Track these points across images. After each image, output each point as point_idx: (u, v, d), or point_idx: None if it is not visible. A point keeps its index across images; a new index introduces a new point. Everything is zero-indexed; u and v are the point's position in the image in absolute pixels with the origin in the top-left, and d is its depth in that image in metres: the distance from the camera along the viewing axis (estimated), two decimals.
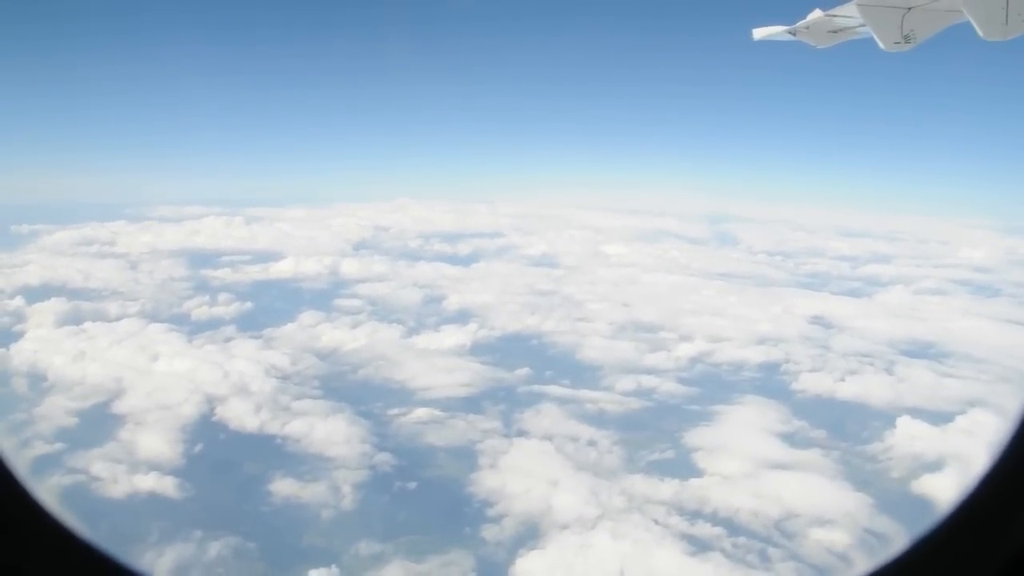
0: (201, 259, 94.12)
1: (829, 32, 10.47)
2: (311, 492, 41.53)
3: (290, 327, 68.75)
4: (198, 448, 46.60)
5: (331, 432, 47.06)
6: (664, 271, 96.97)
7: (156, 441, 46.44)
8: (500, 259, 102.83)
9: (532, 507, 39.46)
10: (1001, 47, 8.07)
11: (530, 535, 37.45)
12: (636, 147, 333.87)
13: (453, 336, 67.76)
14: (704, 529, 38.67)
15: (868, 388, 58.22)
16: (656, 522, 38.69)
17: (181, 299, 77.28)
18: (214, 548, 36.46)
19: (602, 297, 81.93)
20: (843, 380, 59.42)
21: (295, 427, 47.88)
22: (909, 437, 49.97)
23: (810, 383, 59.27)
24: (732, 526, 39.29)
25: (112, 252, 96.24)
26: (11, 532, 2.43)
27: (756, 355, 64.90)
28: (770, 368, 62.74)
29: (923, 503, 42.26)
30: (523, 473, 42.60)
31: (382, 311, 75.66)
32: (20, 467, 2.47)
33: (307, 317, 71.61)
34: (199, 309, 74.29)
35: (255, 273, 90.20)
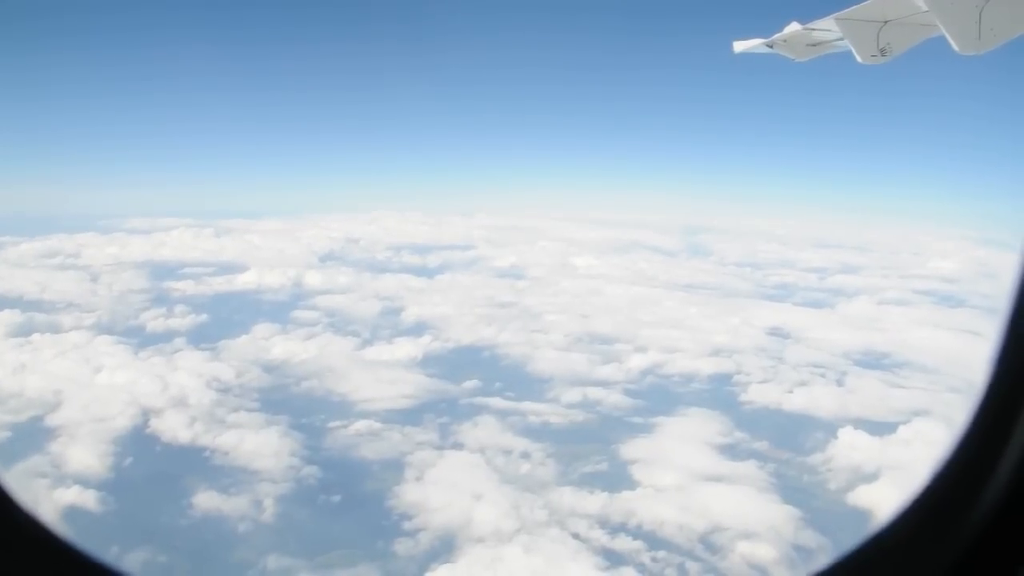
0: (164, 271, 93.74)
1: (807, 45, 10.59)
2: (232, 505, 41.14)
3: (243, 339, 68.37)
4: (128, 461, 46.21)
5: (261, 445, 46.70)
6: (630, 283, 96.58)
7: (86, 454, 46.03)
8: (467, 271, 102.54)
9: (451, 521, 39.07)
10: (976, 60, 8.22)
11: (444, 549, 37.05)
12: (615, 159, 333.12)
13: (405, 348, 67.42)
14: (624, 543, 38.27)
15: (816, 399, 57.83)
16: (575, 536, 38.28)
17: (138, 311, 76.84)
18: (122, 563, 36.01)
19: (562, 309, 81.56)
20: (791, 392, 59.05)
21: (225, 440, 47.47)
22: (849, 448, 49.67)
23: (758, 395, 58.90)
24: (654, 540, 38.90)
25: (75, 264, 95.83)
26: None
27: (708, 367, 64.46)
28: (720, 380, 62.29)
29: (855, 515, 41.92)
30: (448, 486, 42.21)
31: (339, 323, 75.31)
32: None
33: (261, 329, 71.21)
34: (155, 321, 73.92)
35: (218, 285, 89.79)
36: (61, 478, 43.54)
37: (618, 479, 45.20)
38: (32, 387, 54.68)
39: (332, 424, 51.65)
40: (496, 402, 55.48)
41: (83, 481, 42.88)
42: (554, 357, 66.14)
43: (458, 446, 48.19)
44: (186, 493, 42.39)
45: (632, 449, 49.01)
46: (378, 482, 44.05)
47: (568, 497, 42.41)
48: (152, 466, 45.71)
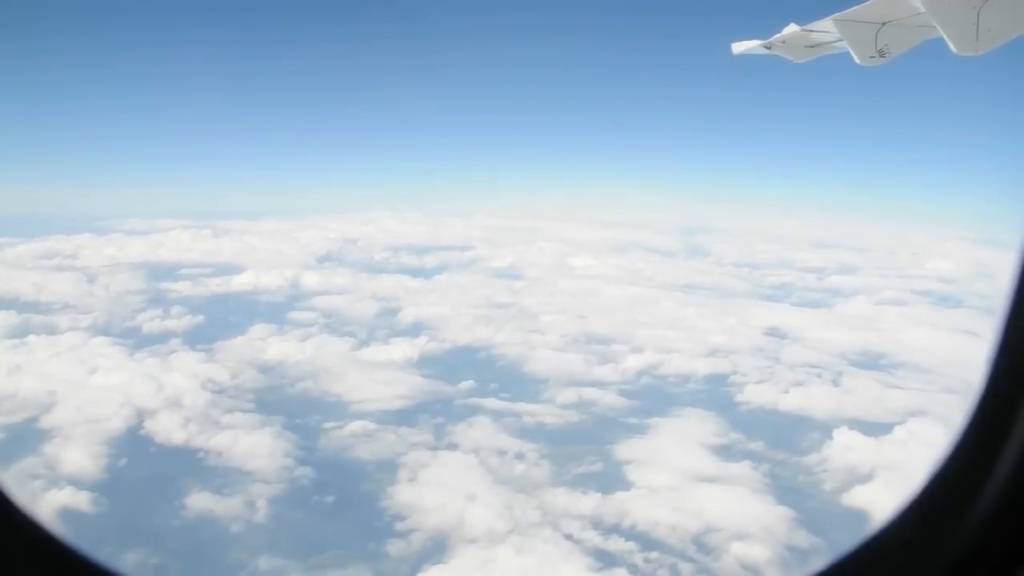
0: (161, 272, 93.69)
1: (806, 47, 10.59)
2: (226, 506, 41.08)
3: (239, 340, 68.32)
4: (122, 462, 46.16)
5: (255, 446, 46.64)
6: (627, 283, 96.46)
7: (80, 455, 45.95)
8: (464, 271, 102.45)
9: (444, 521, 39.01)
10: (974, 61, 8.26)
11: (437, 550, 36.98)
12: (614, 159, 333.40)
13: (401, 349, 67.35)
14: (617, 544, 38.19)
15: (812, 400, 57.71)
16: (568, 537, 38.20)
17: (134, 312, 76.80)
18: (116, 564, 35.94)
19: (559, 309, 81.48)
20: (787, 392, 58.95)
21: (220, 441, 47.42)
22: (845, 449, 49.58)
23: (754, 395, 58.77)
24: (647, 541, 38.80)
25: (72, 265, 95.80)
26: None
27: (704, 367, 64.37)
28: (716, 380, 62.19)
29: (850, 516, 41.83)
30: (441, 487, 42.17)
31: (335, 324, 75.24)
32: None
33: (258, 330, 71.14)
34: (151, 322, 73.85)
35: (214, 286, 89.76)
36: (55, 479, 43.44)
37: (612, 480, 45.13)
38: (27, 388, 54.65)
39: (327, 425, 51.59)
40: (491, 403, 55.44)
41: (77, 482, 42.83)
42: (550, 358, 66.06)
43: (452, 447, 48.16)
44: (180, 494, 42.33)
45: (627, 450, 48.94)
46: (372, 483, 44.01)
47: (562, 498, 42.34)
48: (146, 467, 45.65)
